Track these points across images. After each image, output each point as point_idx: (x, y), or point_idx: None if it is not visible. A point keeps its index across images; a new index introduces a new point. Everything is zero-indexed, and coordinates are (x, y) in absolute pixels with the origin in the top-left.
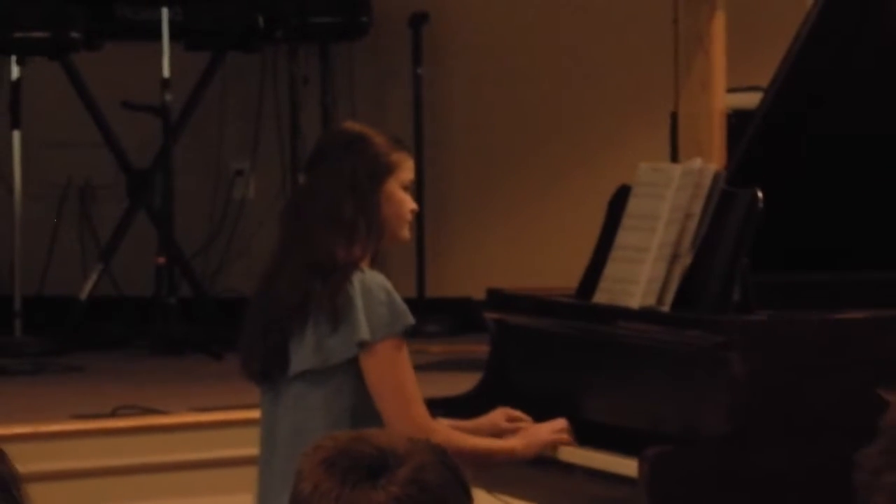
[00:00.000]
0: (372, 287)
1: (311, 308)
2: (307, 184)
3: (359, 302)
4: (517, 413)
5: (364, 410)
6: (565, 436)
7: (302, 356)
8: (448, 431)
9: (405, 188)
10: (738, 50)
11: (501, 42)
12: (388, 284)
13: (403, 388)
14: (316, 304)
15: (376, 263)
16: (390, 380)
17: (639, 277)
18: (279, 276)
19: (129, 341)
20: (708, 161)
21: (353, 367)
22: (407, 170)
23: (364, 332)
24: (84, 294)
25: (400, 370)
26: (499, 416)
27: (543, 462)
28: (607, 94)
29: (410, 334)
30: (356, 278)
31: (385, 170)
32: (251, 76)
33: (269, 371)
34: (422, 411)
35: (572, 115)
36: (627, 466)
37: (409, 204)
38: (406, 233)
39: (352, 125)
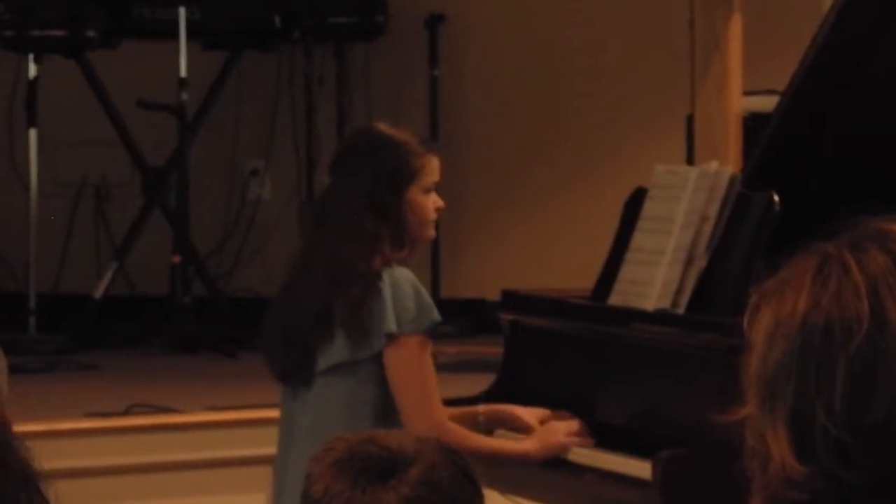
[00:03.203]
0: (400, 281)
1: (335, 317)
2: (330, 188)
3: (387, 294)
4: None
5: (386, 405)
6: (580, 439)
7: (330, 353)
8: (462, 431)
9: (429, 191)
10: (754, 53)
11: (517, 43)
12: (416, 280)
13: (424, 385)
14: (339, 314)
15: (407, 264)
16: (412, 375)
17: (654, 280)
18: (301, 285)
19: (143, 340)
20: (724, 164)
21: (378, 361)
22: (431, 173)
23: (391, 325)
24: (98, 292)
25: (422, 366)
26: (533, 415)
27: (556, 463)
28: (623, 96)
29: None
30: (385, 274)
31: (407, 178)
32: (267, 76)
33: (292, 374)
34: (439, 409)
35: (588, 117)
36: (641, 469)
37: (435, 204)
38: (431, 232)
39: (378, 127)
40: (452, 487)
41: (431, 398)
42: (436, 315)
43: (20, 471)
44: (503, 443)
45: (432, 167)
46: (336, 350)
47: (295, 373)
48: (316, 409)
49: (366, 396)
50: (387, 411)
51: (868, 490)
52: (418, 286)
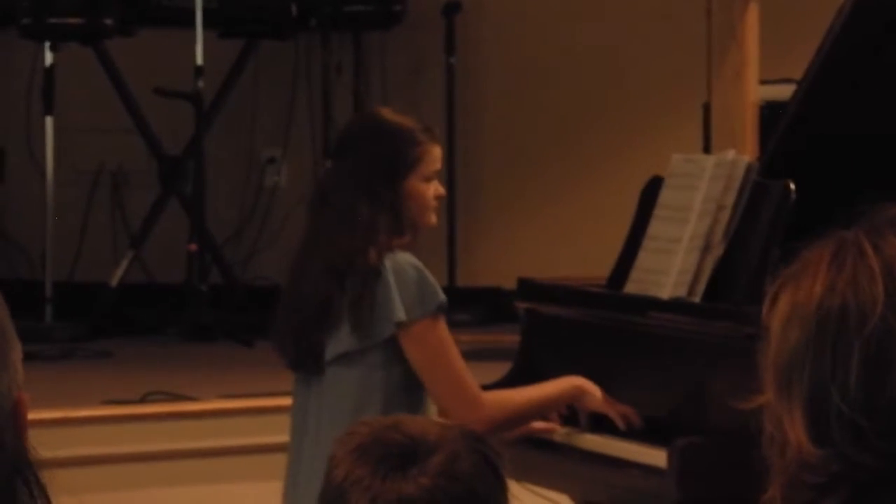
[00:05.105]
0: (403, 267)
1: (337, 309)
2: (329, 175)
3: (392, 281)
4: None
5: (394, 390)
6: (620, 420)
7: (337, 343)
8: (502, 394)
9: (430, 179)
10: (771, 42)
11: (534, 32)
12: (419, 263)
13: (449, 364)
14: (342, 307)
15: (413, 249)
16: (434, 358)
17: (670, 268)
18: (304, 275)
19: (159, 328)
20: (740, 152)
21: (387, 349)
22: (430, 161)
23: (400, 313)
24: (115, 280)
25: (441, 347)
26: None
27: (572, 451)
28: (640, 85)
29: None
30: (387, 260)
31: (406, 167)
32: (284, 64)
33: (302, 363)
34: (471, 384)
35: (605, 106)
36: (657, 457)
37: (435, 191)
38: (432, 219)
39: (379, 113)
40: (473, 478)
41: (461, 375)
42: (441, 295)
43: (14, 453)
44: (550, 385)
45: (433, 156)
46: (342, 340)
47: (305, 362)
48: (327, 397)
49: (375, 383)
50: (396, 396)
51: (883, 472)
52: (421, 269)
